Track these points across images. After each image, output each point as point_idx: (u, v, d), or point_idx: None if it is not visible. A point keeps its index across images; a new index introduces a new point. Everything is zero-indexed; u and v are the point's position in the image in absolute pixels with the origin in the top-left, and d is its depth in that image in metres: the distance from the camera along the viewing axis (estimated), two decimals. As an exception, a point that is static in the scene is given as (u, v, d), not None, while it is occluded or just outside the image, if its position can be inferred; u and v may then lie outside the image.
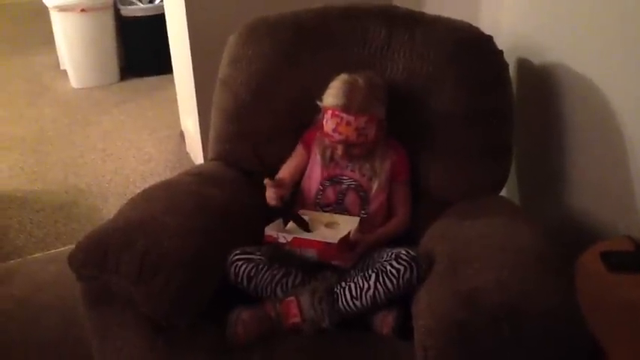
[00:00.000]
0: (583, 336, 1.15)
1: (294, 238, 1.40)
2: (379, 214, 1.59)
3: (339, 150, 1.55)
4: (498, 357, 1.13)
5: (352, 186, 1.60)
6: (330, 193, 1.60)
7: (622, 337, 1.15)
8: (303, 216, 1.50)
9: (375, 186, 1.59)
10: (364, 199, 1.59)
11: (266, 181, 1.47)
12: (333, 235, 1.41)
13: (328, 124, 1.52)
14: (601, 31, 1.56)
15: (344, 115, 1.49)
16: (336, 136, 1.52)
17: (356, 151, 1.55)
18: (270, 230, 1.43)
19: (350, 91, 1.51)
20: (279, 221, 1.47)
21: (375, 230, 1.55)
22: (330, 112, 1.52)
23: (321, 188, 1.61)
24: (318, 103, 1.56)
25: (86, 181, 2.98)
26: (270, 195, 1.49)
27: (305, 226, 1.47)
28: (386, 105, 1.56)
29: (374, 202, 1.59)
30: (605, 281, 1.24)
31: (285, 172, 1.65)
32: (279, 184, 1.49)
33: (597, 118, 1.60)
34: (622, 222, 1.56)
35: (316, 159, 1.62)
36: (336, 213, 1.58)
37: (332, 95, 1.53)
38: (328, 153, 1.61)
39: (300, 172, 1.65)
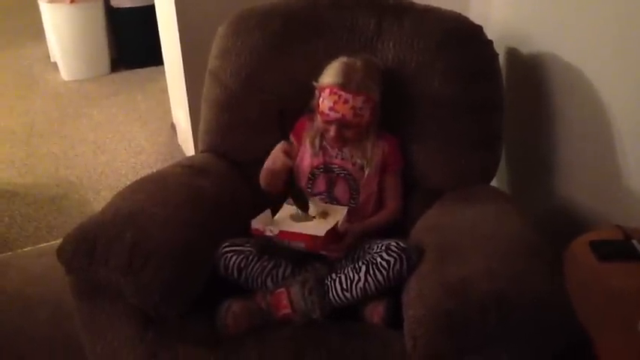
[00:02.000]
0: (571, 325, 1.15)
1: (281, 231, 1.39)
2: (369, 203, 1.59)
3: (332, 131, 1.53)
4: (487, 345, 1.14)
5: (342, 175, 1.60)
6: (321, 182, 1.60)
7: (610, 325, 1.16)
8: (290, 206, 1.51)
9: (365, 175, 1.58)
10: (354, 188, 1.59)
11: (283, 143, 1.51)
12: (320, 227, 1.40)
13: (325, 102, 1.52)
14: (591, 21, 1.56)
15: (342, 93, 1.49)
16: (332, 115, 1.51)
17: (349, 133, 1.55)
18: (257, 223, 1.42)
19: (349, 70, 1.52)
20: (265, 213, 1.46)
21: (364, 220, 1.55)
22: (327, 90, 1.51)
23: (311, 177, 1.61)
24: (314, 83, 1.56)
25: (77, 173, 2.96)
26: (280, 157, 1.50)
27: (305, 205, 1.48)
28: (381, 89, 1.56)
29: (364, 192, 1.59)
30: (595, 270, 1.24)
31: None
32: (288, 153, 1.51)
33: (587, 107, 1.60)
34: (611, 211, 1.56)
35: (306, 148, 1.62)
36: (326, 202, 1.58)
37: (330, 75, 1.53)
38: (318, 141, 1.60)
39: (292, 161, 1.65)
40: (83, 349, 1.43)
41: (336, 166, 1.60)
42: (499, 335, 1.13)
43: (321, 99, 1.53)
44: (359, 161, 1.59)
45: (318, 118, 1.57)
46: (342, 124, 1.52)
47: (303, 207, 1.48)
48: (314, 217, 1.49)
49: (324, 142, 1.61)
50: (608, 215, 1.56)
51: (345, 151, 1.60)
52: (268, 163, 1.56)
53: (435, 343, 1.13)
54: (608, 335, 1.13)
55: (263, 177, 1.59)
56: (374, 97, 1.53)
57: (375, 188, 1.60)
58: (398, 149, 1.63)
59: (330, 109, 1.51)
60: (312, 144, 1.61)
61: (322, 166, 1.61)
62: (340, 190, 1.59)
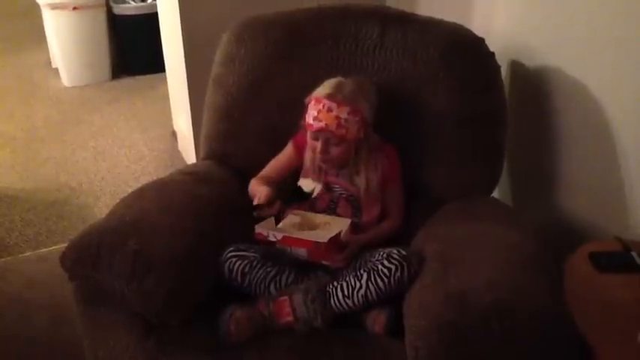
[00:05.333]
0: (572, 336, 1.16)
1: (284, 236, 1.39)
2: (372, 222, 1.58)
3: (318, 146, 1.51)
4: (489, 357, 1.14)
5: (344, 195, 1.59)
6: (323, 200, 1.59)
7: (610, 336, 1.16)
8: (294, 215, 1.52)
9: (368, 197, 1.57)
10: (356, 208, 1.58)
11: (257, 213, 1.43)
12: (323, 234, 1.40)
13: (310, 113, 1.51)
14: (593, 33, 1.57)
15: (326, 102, 1.48)
16: (316, 125, 1.49)
17: (335, 151, 1.52)
18: (261, 228, 1.42)
19: (338, 84, 1.52)
20: (270, 219, 1.47)
21: (367, 232, 1.54)
22: (313, 100, 1.51)
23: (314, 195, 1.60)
24: (305, 101, 1.55)
25: (78, 179, 2.97)
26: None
27: (306, 195, 1.50)
28: (374, 109, 1.55)
29: (367, 213, 1.57)
30: (594, 281, 1.25)
31: (273, 168, 1.64)
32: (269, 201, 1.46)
33: (589, 120, 1.62)
34: (611, 223, 1.57)
35: (307, 166, 1.61)
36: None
37: (319, 89, 1.53)
38: (316, 162, 1.58)
39: (287, 171, 1.64)
40: (82, 354, 1.44)
41: (337, 187, 1.60)
42: (500, 346, 1.13)
43: (307, 110, 1.52)
44: (359, 183, 1.57)
45: (308, 138, 1.55)
46: (327, 137, 1.50)
47: (302, 194, 1.50)
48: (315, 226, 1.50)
49: (315, 161, 1.58)
50: (608, 227, 1.57)
51: (345, 172, 1.59)
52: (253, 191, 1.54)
53: (436, 353, 1.13)
54: (608, 346, 1.13)
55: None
56: (362, 111, 1.50)
57: (378, 207, 1.59)
58: (397, 161, 1.63)
59: (314, 118, 1.49)
60: (312, 163, 1.59)
61: (325, 186, 1.59)
62: (342, 209, 1.58)
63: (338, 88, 1.51)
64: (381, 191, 1.60)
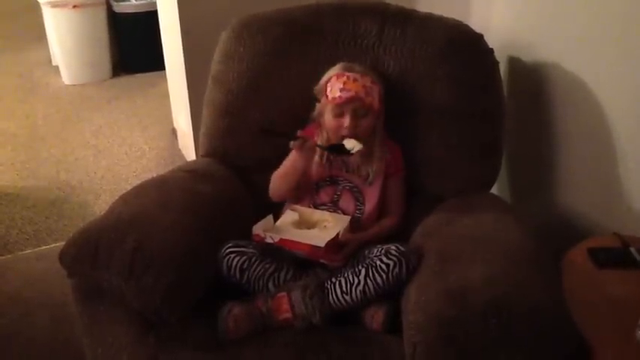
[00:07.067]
0: (571, 331, 1.16)
1: (282, 239, 1.39)
2: (374, 213, 1.58)
3: (346, 121, 1.50)
4: (487, 353, 1.14)
5: (347, 187, 1.59)
6: (326, 193, 1.59)
7: (608, 332, 1.17)
8: (293, 212, 1.51)
9: (370, 187, 1.58)
10: (359, 200, 1.58)
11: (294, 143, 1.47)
12: (321, 237, 1.39)
13: (334, 88, 1.52)
14: (592, 29, 1.57)
15: (350, 74, 1.52)
16: (345, 95, 1.50)
17: (364, 122, 1.52)
18: (258, 229, 1.42)
19: (348, 64, 1.57)
20: (267, 219, 1.47)
21: (367, 229, 1.54)
22: (334, 76, 1.53)
23: (317, 188, 1.60)
24: (316, 88, 1.57)
25: (78, 177, 2.97)
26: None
27: (346, 151, 1.49)
28: (384, 88, 1.58)
29: (369, 203, 1.58)
30: (593, 277, 1.25)
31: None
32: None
33: (588, 116, 1.61)
34: (610, 220, 1.57)
35: (314, 158, 1.60)
36: (330, 212, 1.57)
37: (331, 70, 1.56)
38: (325, 154, 1.59)
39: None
40: (82, 352, 1.44)
41: (342, 179, 1.60)
42: (498, 343, 1.13)
43: (329, 89, 1.53)
44: (364, 172, 1.58)
45: (327, 118, 1.55)
46: (355, 108, 1.50)
47: (342, 150, 1.50)
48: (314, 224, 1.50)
49: (331, 155, 1.60)
50: (607, 223, 1.57)
51: (352, 162, 1.59)
52: (287, 165, 1.55)
53: (434, 349, 1.13)
54: (606, 342, 1.13)
55: (280, 179, 1.58)
56: (379, 84, 1.55)
57: (379, 197, 1.59)
58: (400, 155, 1.64)
59: (342, 90, 1.50)
60: (320, 156, 1.59)
61: (328, 178, 1.60)
62: (346, 202, 1.58)
63: (351, 66, 1.55)
64: (383, 184, 1.60)
